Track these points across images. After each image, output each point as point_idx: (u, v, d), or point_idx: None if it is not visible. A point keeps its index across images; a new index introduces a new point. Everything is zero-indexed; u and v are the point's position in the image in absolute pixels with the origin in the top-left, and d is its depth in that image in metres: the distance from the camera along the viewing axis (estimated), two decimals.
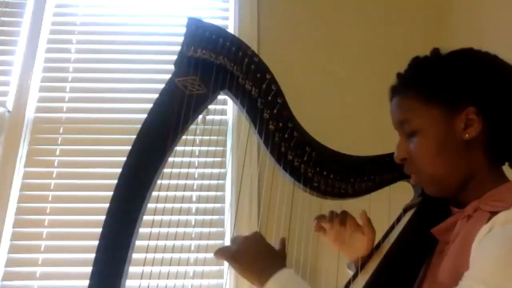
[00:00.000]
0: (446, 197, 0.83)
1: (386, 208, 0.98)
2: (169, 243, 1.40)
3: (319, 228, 0.99)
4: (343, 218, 0.98)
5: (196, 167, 1.68)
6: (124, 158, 0.85)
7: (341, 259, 1.02)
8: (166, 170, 0.88)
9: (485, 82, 0.77)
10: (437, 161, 0.78)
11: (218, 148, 1.74)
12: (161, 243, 1.28)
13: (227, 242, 1.63)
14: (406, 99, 0.81)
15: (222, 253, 0.84)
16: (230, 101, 1.40)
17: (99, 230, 0.81)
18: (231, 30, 1.88)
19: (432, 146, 0.78)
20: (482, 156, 0.77)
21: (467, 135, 0.75)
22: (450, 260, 0.72)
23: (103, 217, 0.82)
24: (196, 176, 1.68)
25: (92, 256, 0.79)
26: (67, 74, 1.83)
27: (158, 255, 1.06)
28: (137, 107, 1.78)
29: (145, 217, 0.85)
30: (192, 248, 1.62)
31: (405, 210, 0.96)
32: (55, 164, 1.71)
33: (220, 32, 0.90)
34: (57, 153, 1.73)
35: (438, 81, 0.79)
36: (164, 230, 1.25)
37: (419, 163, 0.80)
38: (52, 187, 1.68)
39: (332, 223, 0.98)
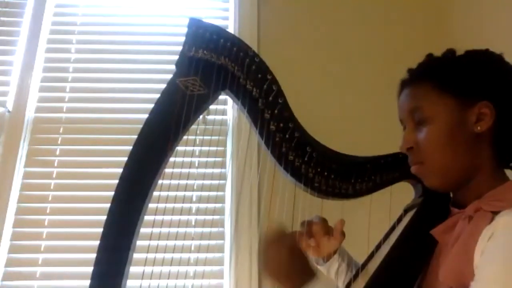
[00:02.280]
0: (447, 190, 0.84)
1: (387, 208, 0.98)
2: (170, 243, 1.40)
3: None
4: (309, 228, 0.99)
5: (197, 167, 1.68)
6: (125, 158, 0.85)
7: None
8: (167, 170, 0.88)
9: (501, 79, 0.78)
10: (445, 150, 0.78)
11: (218, 148, 1.74)
12: (161, 243, 1.28)
13: (227, 242, 1.64)
14: (420, 88, 0.82)
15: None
16: (230, 101, 1.40)
17: (100, 230, 0.81)
18: (231, 30, 1.88)
19: (442, 134, 0.78)
20: (489, 154, 0.78)
21: (478, 128, 0.76)
22: (452, 261, 0.72)
23: (103, 217, 0.81)
24: (196, 176, 1.68)
25: (93, 256, 0.79)
26: (67, 74, 1.83)
27: (159, 255, 1.06)
28: (138, 107, 1.78)
29: (146, 217, 0.85)
30: (193, 248, 1.62)
31: (405, 211, 0.96)
32: (55, 164, 1.71)
33: (221, 33, 0.90)
34: (57, 153, 1.73)
35: (455, 72, 0.80)
36: (165, 230, 1.25)
37: (427, 152, 0.79)
38: (52, 187, 1.68)
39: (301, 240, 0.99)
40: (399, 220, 0.96)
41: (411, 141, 0.81)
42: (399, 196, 0.98)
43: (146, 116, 0.88)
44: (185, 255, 1.59)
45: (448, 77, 0.79)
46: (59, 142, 1.74)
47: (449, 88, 0.79)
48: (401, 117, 0.86)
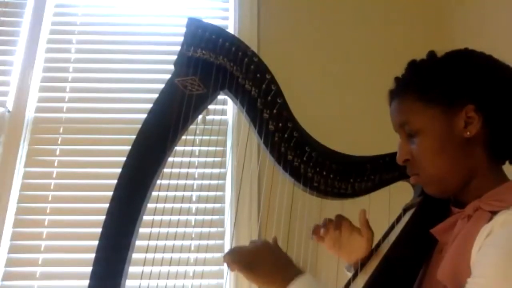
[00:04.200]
0: (447, 197, 0.83)
1: (386, 208, 0.98)
2: (169, 243, 1.40)
3: (318, 239, 0.98)
4: (338, 222, 0.96)
5: (196, 167, 1.68)
6: (124, 158, 0.85)
7: (341, 259, 1.02)
8: (166, 170, 0.88)
9: (483, 80, 0.77)
10: (438, 160, 0.78)
11: (218, 148, 1.74)
12: (161, 243, 1.28)
13: (227, 242, 1.64)
14: (405, 101, 0.82)
15: (234, 261, 0.82)
16: (230, 101, 1.40)
17: (99, 230, 0.81)
18: (231, 30, 1.88)
19: (433, 145, 0.78)
20: (483, 155, 0.77)
21: (468, 133, 0.76)
22: (449, 259, 0.72)
23: (103, 217, 0.82)
24: (196, 176, 1.68)
25: (92, 256, 0.79)
26: (67, 74, 1.83)
27: (158, 255, 1.06)
28: (137, 107, 1.78)
29: (145, 217, 0.85)
30: (192, 248, 1.62)
31: (405, 210, 0.96)
32: (55, 164, 1.71)
33: (220, 32, 0.90)
34: (57, 153, 1.73)
35: (435, 81, 0.79)
36: (164, 230, 1.25)
37: (421, 163, 0.80)
38: (52, 187, 1.68)
39: (328, 230, 0.96)
40: (399, 219, 0.96)
41: (406, 153, 0.82)
42: (398, 196, 0.98)
43: (145, 116, 0.88)
44: (184, 255, 1.59)
45: (430, 87, 0.79)
46: (59, 142, 1.74)
47: (432, 98, 0.78)
48: (394, 128, 0.86)
